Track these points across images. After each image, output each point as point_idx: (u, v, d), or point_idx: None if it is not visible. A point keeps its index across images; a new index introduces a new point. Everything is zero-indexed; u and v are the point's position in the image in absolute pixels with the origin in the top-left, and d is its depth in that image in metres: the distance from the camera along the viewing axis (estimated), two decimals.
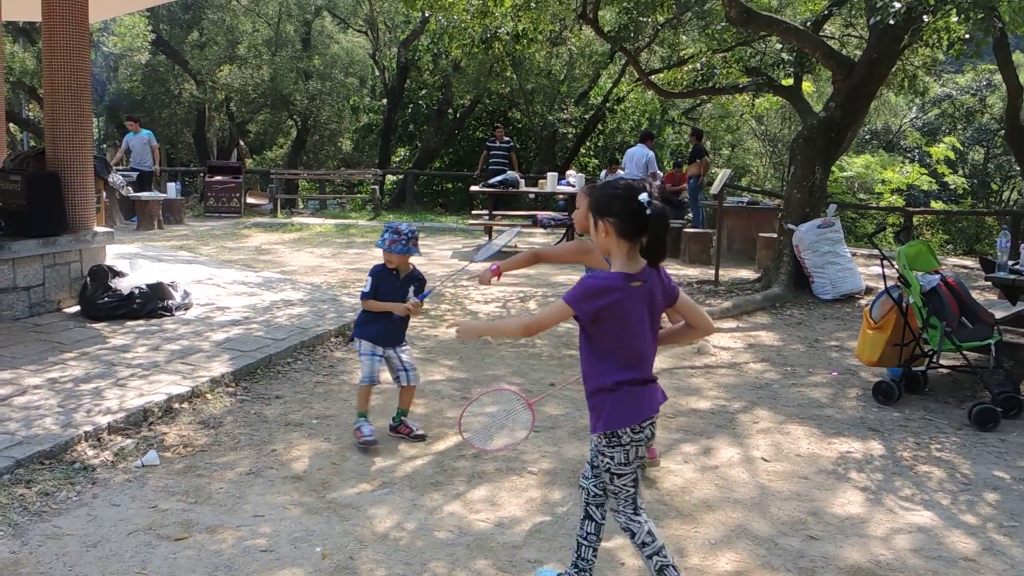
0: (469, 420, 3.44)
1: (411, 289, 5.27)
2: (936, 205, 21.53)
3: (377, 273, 5.28)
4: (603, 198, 3.15)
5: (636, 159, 14.76)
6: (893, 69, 12.24)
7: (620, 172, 16.91)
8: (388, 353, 5.37)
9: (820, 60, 11.19)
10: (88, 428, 5.08)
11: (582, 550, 3.46)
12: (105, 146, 25.33)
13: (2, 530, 3.98)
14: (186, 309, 8.28)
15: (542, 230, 14.86)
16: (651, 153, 14.81)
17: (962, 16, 8.61)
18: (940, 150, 21.71)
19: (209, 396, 6.00)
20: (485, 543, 4.03)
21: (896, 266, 6.48)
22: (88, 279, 8.04)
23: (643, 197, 3.05)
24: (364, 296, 5.30)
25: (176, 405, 5.72)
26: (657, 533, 3.28)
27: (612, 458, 3.20)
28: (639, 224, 3.07)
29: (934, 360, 6.43)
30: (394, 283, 5.26)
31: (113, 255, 9.03)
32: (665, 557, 3.24)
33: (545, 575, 3.63)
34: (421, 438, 5.37)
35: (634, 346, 3.16)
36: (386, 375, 5.45)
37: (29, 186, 7.82)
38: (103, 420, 5.22)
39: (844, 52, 12.90)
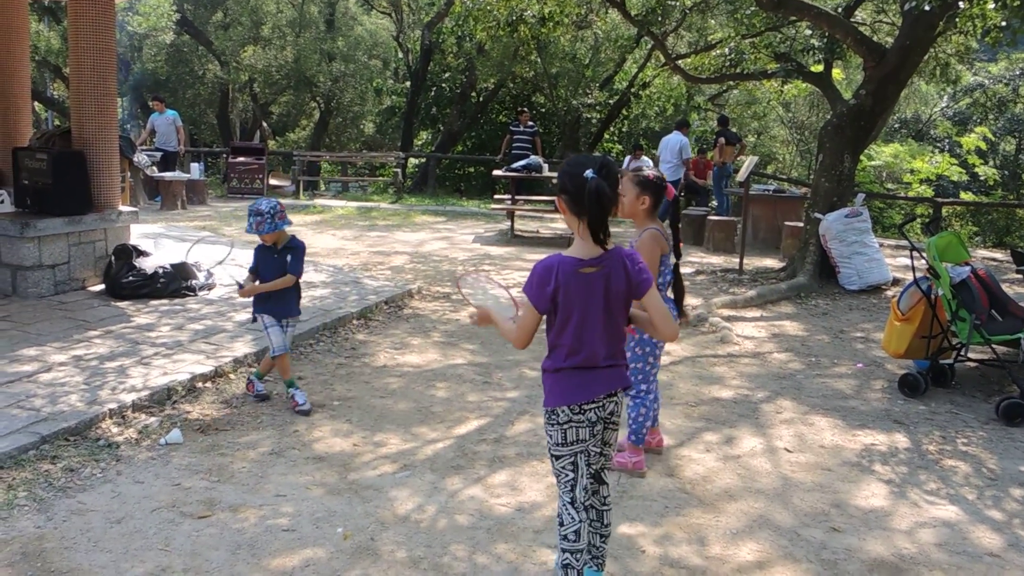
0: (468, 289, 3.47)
1: (288, 257, 5.50)
2: (966, 196, 21.29)
3: (256, 251, 5.57)
4: (560, 175, 3.13)
5: (671, 146, 14.90)
6: (925, 57, 12.10)
7: (644, 159, 16.86)
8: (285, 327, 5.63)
9: (851, 46, 11.08)
10: (113, 405, 5.15)
11: (590, 536, 3.45)
12: (129, 126, 25.49)
13: (28, 505, 4.05)
14: (209, 289, 8.35)
15: None
16: (685, 139, 14.91)
17: (999, 3, 8.51)
18: (971, 140, 21.43)
19: (232, 376, 6.06)
20: (506, 527, 4.05)
21: (925, 257, 6.44)
22: (113, 258, 8.13)
23: (588, 173, 2.99)
24: (250, 270, 5.61)
25: (199, 384, 5.78)
26: (584, 538, 3.22)
27: (550, 437, 3.21)
28: (583, 202, 3.03)
29: (962, 353, 6.38)
30: (270, 256, 5.50)
31: (137, 234, 9.12)
32: (577, 561, 3.22)
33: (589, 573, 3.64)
34: (263, 398, 5.69)
35: (582, 336, 3.10)
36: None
37: (55, 164, 7.90)
38: (127, 398, 5.29)
39: (875, 39, 12.77)
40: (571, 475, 3.22)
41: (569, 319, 3.08)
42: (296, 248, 5.55)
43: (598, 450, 3.30)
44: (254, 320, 5.69)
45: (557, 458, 3.23)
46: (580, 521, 3.22)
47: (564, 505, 3.24)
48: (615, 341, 3.19)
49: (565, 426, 3.16)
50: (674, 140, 14.94)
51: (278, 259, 5.49)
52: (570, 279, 3.05)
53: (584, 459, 3.23)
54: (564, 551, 3.23)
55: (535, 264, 3.12)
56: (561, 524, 3.24)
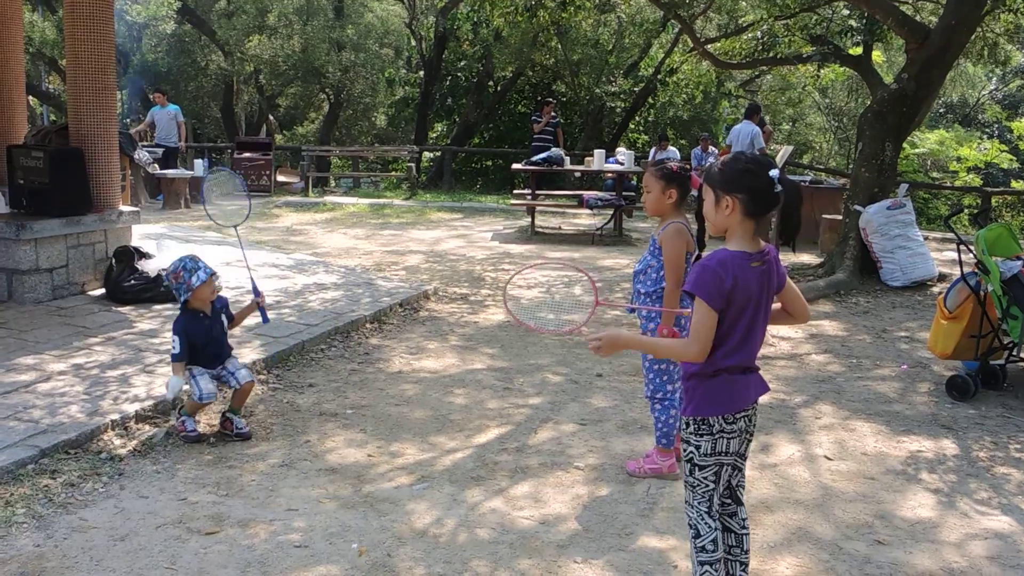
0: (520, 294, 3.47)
1: (223, 315, 5.25)
2: (1017, 185, 21.13)
3: (184, 328, 5.07)
4: (733, 173, 3.10)
5: (741, 137, 14.74)
6: (972, 37, 12.00)
7: (671, 150, 16.84)
8: (218, 372, 5.25)
9: (892, 27, 11.02)
10: (115, 416, 5.18)
11: (728, 565, 3.41)
12: (129, 120, 25.69)
13: (26, 522, 4.08)
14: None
15: (588, 211, 14.84)
16: (756, 129, 14.76)
17: None
18: (1022, 125, 21.27)
19: None
20: (529, 542, 4.05)
21: (974, 251, 6.39)
22: (113, 260, 8.17)
23: (774, 173, 3.04)
24: (176, 359, 5.06)
25: None
26: (721, 547, 3.26)
27: (697, 447, 3.20)
28: (768, 202, 3.08)
29: (1014, 353, 6.33)
30: (205, 326, 5.15)
31: (139, 235, 9.18)
32: (717, 572, 3.23)
33: None
34: (246, 436, 5.18)
35: (746, 331, 3.12)
36: None
37: (52, 163, 7.94)
38: (130, 408, 5.33)
39: (918, 18, 12.68)
40: (712, 485, 3.24)
41: (741, 316, 3.10)
42: (226, 303, 5.33)
43: (738, 467, 3.34)
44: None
45: (701, 468, 3.22)
46: (716, 529, 3.24)
47: (700, 516, 3.25)
48: (761, 342, 3.24)
49: (717, 436, 3.17)
50: (745, 130, 14.70)
51: (215, 323, 5.21)
52: (745, 274, 3.07)
53: (727, 470, 3.27)
54: (702, 564, 3.23)
55: (702, 262, 3.13)
56: (697, 536, 3.25)
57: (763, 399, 6.09)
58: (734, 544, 3.39)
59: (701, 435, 3.18)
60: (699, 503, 3.26)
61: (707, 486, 3.23)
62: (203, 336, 5.14)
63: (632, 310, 4.89)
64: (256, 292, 5.42)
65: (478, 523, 4.23)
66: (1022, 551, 4.11)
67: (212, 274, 5.14)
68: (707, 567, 3.23)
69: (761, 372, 3.26)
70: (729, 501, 3.38)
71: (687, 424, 3.22)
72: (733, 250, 3.10)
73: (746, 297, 3.08)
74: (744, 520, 3.40)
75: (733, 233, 3.13)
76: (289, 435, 5.28)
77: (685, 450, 3.25)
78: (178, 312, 5.20)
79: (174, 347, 5.08)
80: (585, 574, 3.77)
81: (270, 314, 6.07)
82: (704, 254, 4.70)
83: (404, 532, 4.11)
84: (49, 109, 28.78)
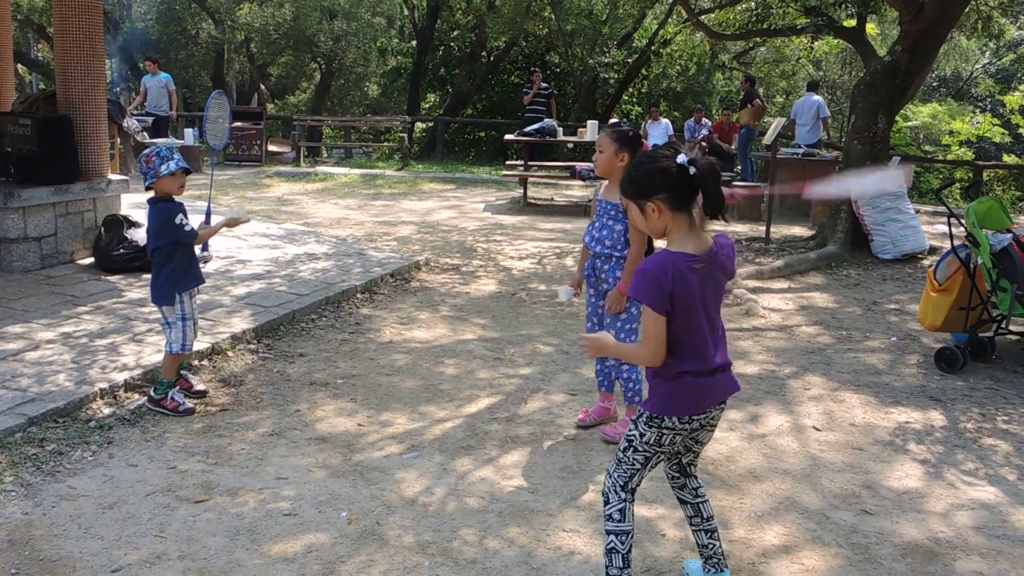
0: None
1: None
2: (1008, 159, 21.13)
3: (180, 209, 4.98)
4: (642, 177, 3.00)
5: (806, 108, 14.92)
6: (966, 9, 11.95)
7: (663, 121, 16.78)
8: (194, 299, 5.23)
9: None
10: (104, 385, 5.17)
11: (695, 535, 3.43)
12: (119, 89, 25.50)
13: (15, 490, 4.07)
14: (205, 262, 8.30)
15: (580, 182, 14.81)
16: (820, 99, 14.82)
17: None
18: (1015, 99, 21.23)
19: (230, 353, 6.07)
20: (518, 511, 4.06)
21: (964, 224, 6.39)
22: (102, 229, 8.13)
23: (681, 159, 2.92)
24: (195, 235, 5.03)
25: (195, 362, 5.79)
26: (629, 518, 3.20)
27: (641, 435, 3.15)
28: (690, 189, 2.96)
29: (1003, 326, 6.34)
30: (181, 207, 5.05)
31: (128, 204, 9.12)
32: (622, 545, 3.19)
33: (691, 565, 3.58)
34: (202, 394, 5.29)
35: (699, 333, 3.04)
36: None
37: (39, 130, 7.89)
38: (119, 377, 5.31)
39: None
40: (638, 467, 3.21)
41: (692, 318, 3.01)
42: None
43: (694, 451, 3.32)
44: (171, 305, 5.06)
45: (635, 451, 3.18)
46: (625, 501, 3.21)
47: (614, 486, 3.22)
48: (722, 340, 3.16)
49: (664, 432, 3.13)
50: (810, 102, 14.91)
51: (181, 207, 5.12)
52: (686, 276, 2.97)
53: (661, 458, 3.24)
54: (609, 533, 3.21)
55: (642, 265, 3.03)
56: (606, 503, 3.23)
57: (753, 370, 6.13)
58: (693, 514, 3.39)
59: (649, 426, 3.14)
60: (618, 476, 3.22)
61: (633, 467, 3.20)
62: (185, 214, 5.02)
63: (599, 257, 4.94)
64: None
65: (467, 492, 4.23)
66: (1007, 521, 4.13)
67: (185, 170, 5.01)
68: (613, 537, 3.20)
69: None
70: (678, 475, 3.37)
71: (640, 413, 3.17)
72: (674, 251, 3.00)
73: (689, 299, 2.99)
74: (696, 488, 3.38)
75: (671, 232, 3.02)
76: (279, 404, 5.27)
77: (629, 431, 3.20)
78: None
79: (186, 224, 4.96)
80: (574, 542, 3.78)
81: (260, 284, 6.01)
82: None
83: (393, 501, 4.11)
84: (38, 77, 28.56)
